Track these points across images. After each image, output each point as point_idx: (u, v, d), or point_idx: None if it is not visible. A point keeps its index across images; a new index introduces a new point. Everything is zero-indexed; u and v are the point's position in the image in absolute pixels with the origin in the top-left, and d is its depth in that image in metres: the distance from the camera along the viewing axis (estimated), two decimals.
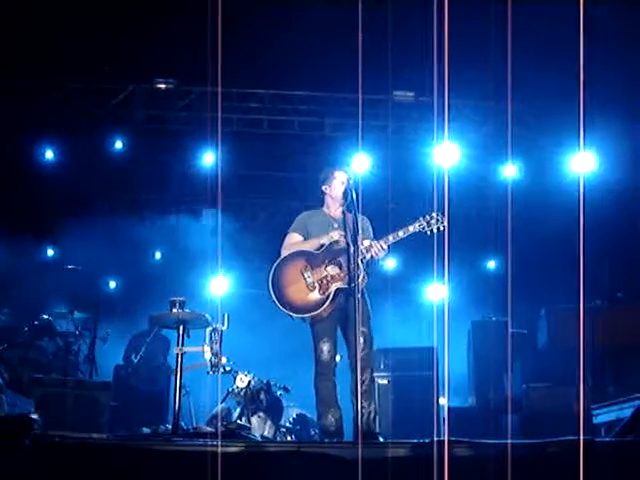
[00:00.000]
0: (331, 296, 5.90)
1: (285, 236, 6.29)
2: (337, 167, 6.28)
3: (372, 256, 5.96)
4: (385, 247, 5.96)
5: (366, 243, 6.02)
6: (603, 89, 9.04)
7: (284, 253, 6.16)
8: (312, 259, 6.02)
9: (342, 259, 5.90)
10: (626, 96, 9.91)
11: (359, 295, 5.63)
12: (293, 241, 6.23)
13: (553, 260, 10.62)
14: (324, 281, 5.95)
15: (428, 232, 5.96)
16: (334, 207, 6.24)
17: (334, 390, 5.92)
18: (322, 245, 6.03)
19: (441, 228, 5.96)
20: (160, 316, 6.68)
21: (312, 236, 6.18)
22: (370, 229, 6.26)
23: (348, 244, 5.93)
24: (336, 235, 6.00)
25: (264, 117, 11.18)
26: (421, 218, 5.96)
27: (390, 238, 5.96)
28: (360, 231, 5.93)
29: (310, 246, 6.09)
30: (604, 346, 8.70)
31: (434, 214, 5.97)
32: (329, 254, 5.99)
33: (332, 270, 5.95)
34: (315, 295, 5.93)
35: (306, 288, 5.95)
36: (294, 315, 5.97)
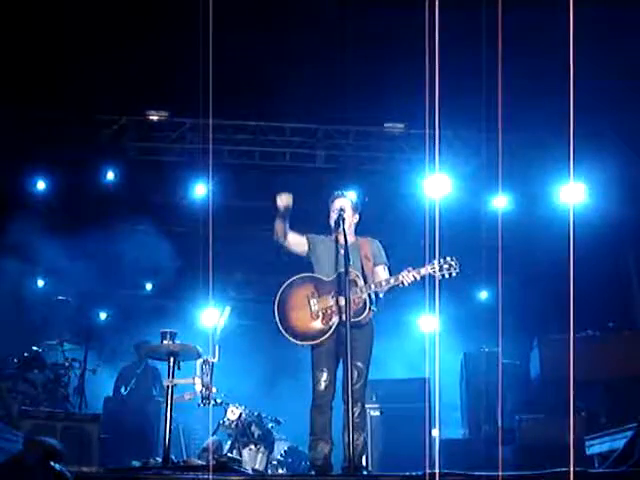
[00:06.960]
0: (332, 328, 5.81)
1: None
2: (335, 195, 6.25)
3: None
4: (391, 285, 5.82)
5: (381, 275, 5.96)
6: (593, 120, 9.12)
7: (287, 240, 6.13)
8: (321, 286, 5.94)
9: (351, 292, 5.63)
10: (616, 127, 10.01)
11: (355, 329, 5.58)
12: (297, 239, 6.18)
13: (544, 290, 10.63)
14: (328, 311, 5.86)
15: (439, 276, 5.75)
16: (335, 232, 6.10)
17: (328, 424, 5.83)
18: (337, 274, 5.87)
19: (453, 274, 5.77)
20: (151, 348, 6.66)
21: (318, 255, 6.09)
22: (382, 254, 6.17)
23: (358, 276, 5.84)
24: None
25: (256, 149, 11.18)
26: (435, 261, 5.77)
27: (400, 277, 5.77)
28: (371, 257, 5.95)
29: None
30: (597, 376, 8.68)
31: (448, 258, 5.78)
32: (339, 285, 5.82)
33: (340, 301, 5.78)
34: (317, 324, 5.86)
35: (309, 315, 5.88)
36: (292, 340, 5.89)
